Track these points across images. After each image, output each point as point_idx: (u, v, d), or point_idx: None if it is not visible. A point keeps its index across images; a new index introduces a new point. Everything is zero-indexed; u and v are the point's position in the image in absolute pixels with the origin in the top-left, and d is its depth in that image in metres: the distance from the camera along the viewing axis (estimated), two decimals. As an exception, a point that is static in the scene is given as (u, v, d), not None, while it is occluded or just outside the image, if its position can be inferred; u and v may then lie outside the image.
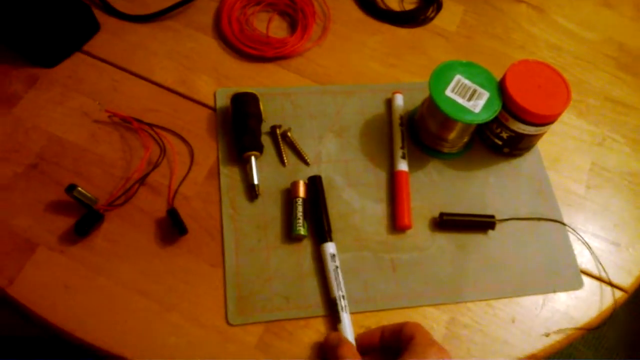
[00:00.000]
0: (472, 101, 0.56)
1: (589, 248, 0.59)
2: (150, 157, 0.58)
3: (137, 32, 0.66)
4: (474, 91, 0.56)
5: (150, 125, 0.59)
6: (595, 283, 0.58)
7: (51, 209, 0.54)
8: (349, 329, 0.50)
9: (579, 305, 0.56)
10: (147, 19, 0.66)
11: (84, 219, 0.53)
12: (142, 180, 0.56)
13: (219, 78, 0.64)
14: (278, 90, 0.64)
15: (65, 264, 0.52)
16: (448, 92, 0.56)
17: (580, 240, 0.60)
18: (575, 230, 0.60)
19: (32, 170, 0.56)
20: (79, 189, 0.52)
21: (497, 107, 0.56)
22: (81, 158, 0.57)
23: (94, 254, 0.52)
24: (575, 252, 0.59)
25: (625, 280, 0.58)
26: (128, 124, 0.59)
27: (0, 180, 0.55)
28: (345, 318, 0.50)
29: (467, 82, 0.57)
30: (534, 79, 0.57)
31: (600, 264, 0.59)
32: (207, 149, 0.59)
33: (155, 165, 0.57)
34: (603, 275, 0.58)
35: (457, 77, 0.57)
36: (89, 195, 0.53)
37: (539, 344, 0.54)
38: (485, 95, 0.56)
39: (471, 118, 0.55)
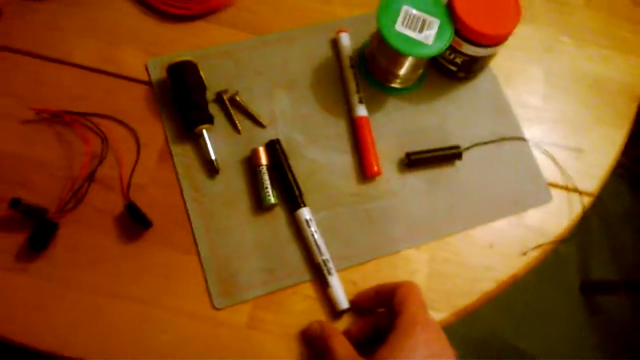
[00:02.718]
0: (424, 32, 0.53)
1: (553, 159, 0.60)
2: (93, 150, 0.53)
3: (44, 11, 0.58)
4: (424, 21, 0.53)
5: (84, 114, 0.54)
6: (563, 193, 0.59)
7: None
8: (339, 292, 0.50)
9: (550, 218, 0.58)
10: (50, -8, 0.59)
11: (37, 231, 0.49)
12: (90, 178, 0.52)
13: (147, 47, 0.58)
14: (215, 50, 0.59)
15: (30, 283, 0.48)
16: (398, 27, 0.52)
17: (544, 153, 0.60)
18: (537, 144, 0.60)
19: (-35, 189, 0.51)
20: (23, 201, 0.47)
21: (449, 34, 0.53)
22: (18, 166, 0.52)
23: (58, 267, 0.49)
24: (540, 165, 0.59)
25: (592, 184, 0.60)
26: (59, 118, 0.54)
27: None
28: (334, 281, 0.50)
29: (415, 12, 0.54)
30: (482, -2, 0.55)
31: (566, 173, 0.60)
32: (152, 130, 0.55)
33: (101, 159, 0.52)
34: (569, 184, 0.59)
35: (404, 8, 0.53)
36: (36, 205, 0.49)
37: (519, 264, 0.56)
38: (436, 22, 0.54)
39: (426, 51, 0.52)
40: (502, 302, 1.34)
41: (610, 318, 1.39)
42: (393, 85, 0.59)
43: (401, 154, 0.57)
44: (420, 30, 0.53)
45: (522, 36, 0.66)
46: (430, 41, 0.53)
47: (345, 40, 0.60)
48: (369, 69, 0.59)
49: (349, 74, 0.58)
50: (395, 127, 0.58)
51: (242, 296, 0.50)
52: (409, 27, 0.53)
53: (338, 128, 0.57)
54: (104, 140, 0.53)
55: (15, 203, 0.47)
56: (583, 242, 1.45)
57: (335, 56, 0.61)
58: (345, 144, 0.57)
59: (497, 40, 0.55)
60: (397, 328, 0.43)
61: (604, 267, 1.43)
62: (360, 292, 0.51)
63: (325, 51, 0.61)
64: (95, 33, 0.58)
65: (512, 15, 0.55)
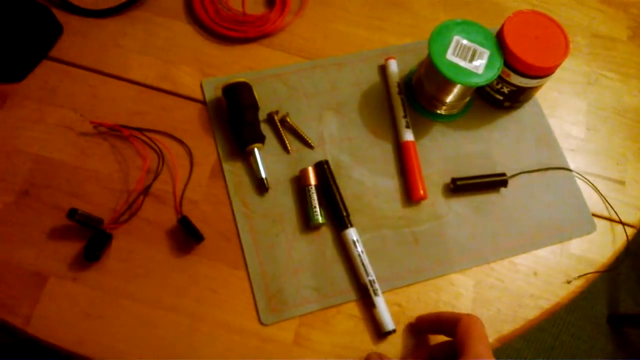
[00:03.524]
0: (474, 62, 0.54)
1: (597, 190, 0.60)
2: (149, 164, 0.54)
3: (105, 29, 0.61)
4: (475, 51, 0.55)
5: (140, 130, 0.55)
6: (607, 224, 0.59)
7: (54, 236, 0.51)
8: (385, 313, 0.50)
9: (594, 248, 0.58)
10: (113, 12, 0.61)
11: (92, 242, 0.50)
12: (145, 192, 0.53)
13: (202, 67, 0.60)
14: (267, 73, 0.61)
15: (81, 291, 0.49)
16: (449, 56, 0.54)
17: (587, 183, 0.60)
18: (581, 175, 0.61)
19: (24, 197, 0.52)
20: (80, 212, 0.49)
21: (499, 64, 0.55)
22: (74, 177, 0.53)
23: (109, 277, 0.50)
24: (584, 196, 0.60)
25: (635, 216, 0.60)
26: (117, 132, 0.55)
27: (-8, 214, 0.51)
28: (380, 302, 0.50)
29: (465, 42, 0.55)
30: (532, 30, 0.56)
31: (609, 204, 0.60)
32: (205, 147, 0.56)
33: (157, 174, 0.54)
34: (613, 215, 0.59)
35: (456, 38, 0.55)
36: (92, 216, 0.50)
37: (562, 292, 0.56)
38: (486, 53, 0.55)
39: (477, 80, 0.53)
40: (531, 333, 1.32)
41: (638, 351, 1.36)
42: (439, 112, 0.60)
43: (446, 179, 0.58)
44: (471, 60, 0.54)
45: (568, 69, 0.67)
46: (480, 71, 0.54)
47: (393, 66, 0.62)
48: (416, 96, 0.61)
49: (397, 99, 0.60)
50: (440, 152, 0.59)
51: (289, 313, 0.51)
52: (460, 57, 0.54)
53: (385, 151, 0.58)
54: (160, 155, 0.55)
55: (72, 213, 0.48)
56: (611, 273, 1.43)
57: (383, 82, 0.62)
58: (391, 167, 0.58)
59: (545, 72, 0.56)
60: None
61: (632, 298, 1.41)
62: (421, 315, 0.51)
63: (373, 77, 0.62)
64: (154, 52, 0.60)
65: (560, 48, 0.56)
